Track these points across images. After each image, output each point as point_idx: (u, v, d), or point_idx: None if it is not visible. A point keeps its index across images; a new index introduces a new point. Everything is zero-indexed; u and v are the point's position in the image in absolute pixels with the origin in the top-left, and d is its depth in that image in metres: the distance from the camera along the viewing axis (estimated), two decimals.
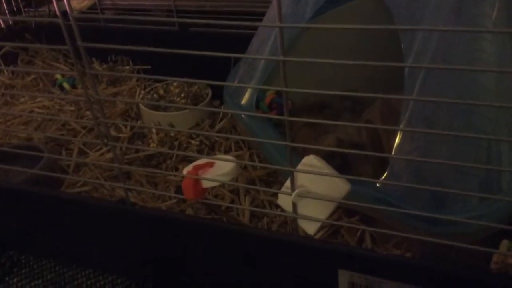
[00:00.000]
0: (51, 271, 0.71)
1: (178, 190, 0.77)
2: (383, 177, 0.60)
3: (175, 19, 0.45)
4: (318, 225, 0.51)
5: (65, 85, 1.08)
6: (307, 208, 0.50)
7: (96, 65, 1.15)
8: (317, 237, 0.63)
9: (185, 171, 0.56)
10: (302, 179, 0.50)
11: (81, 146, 0.90)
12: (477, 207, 0.55)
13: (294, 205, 0.50)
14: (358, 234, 0.66)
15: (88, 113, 0.99)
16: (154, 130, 0.91)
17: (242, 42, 0.83)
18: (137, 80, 1.10)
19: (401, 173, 0.59)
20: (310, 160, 0.50)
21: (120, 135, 0.92)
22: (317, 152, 0.51)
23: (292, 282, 0.58)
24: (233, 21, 0.41)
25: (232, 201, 0.75)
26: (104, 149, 0.88)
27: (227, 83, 0.85)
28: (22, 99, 1.07)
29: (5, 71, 1.18)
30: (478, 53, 0.57)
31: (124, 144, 0.89)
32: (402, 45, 0.60)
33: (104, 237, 0.66)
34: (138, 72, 1.12)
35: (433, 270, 0.48)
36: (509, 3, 0.57)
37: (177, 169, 0.83)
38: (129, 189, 0.74)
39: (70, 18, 0.45)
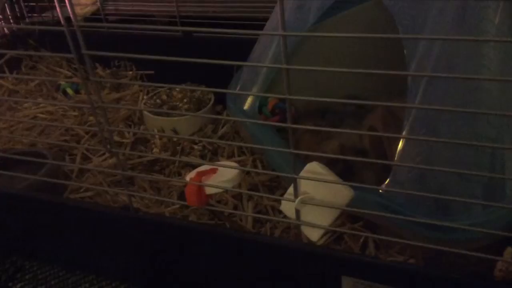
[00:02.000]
0: (54, 276, 0.71)
1: (181, 195, 0.77)
2: (385, 183, 0.59)
3: (179, 28, 0.45)
4: (321, 231, 0.51)
5: (69, 90, 1.08)
6: (311, 215, 0.50)
7: (99, 70, 1.16)
8: (320, 243, 0.63)
9: (188, 178, 0.56)
10: (305, 186, 0.50)
11: (84, 152, 0.90)
12: (481, 213, 0.54)
13: (297, 211, 0.50)
14: (362, 240, 0.66)
15: (91, 118, 1.00)
16: (157, 136, 0.91)
17: (245, 47, 0.83)
18: (140, 85, 1.10)
19: (404, 179, 0.59)
20: (313, 167, 0.50)
21: (123, 140, 0.92)
22: (320, 158, 0.51)
23: None
24: (237, 29, 0.41)
25: (235, 207, 0.75)
26: (107, 154, 0.88)
27: (230, 90, 0.85)
28: (26, 105, 1.07)
29: (9, 77, 1.18)
30: (481, 58, 0.57)
31: (127, 151, 0.89)
32: (405, 51, 0.60)
33: (107, 243, 0.66)
34: (141, 77, 1.13)
35: (437, 276, 0.48)
36: (511, 8, 0.57)
37: (180, 174, 0.83)
38: (132, 194, 0.74)
39: (75, 26, 0.45)
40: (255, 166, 0.82)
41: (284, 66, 0.40)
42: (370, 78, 0.82)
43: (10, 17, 1.26)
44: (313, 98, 0.40)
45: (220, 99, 0.97)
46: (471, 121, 0.57)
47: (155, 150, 0.89)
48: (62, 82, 1.09)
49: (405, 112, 0.59)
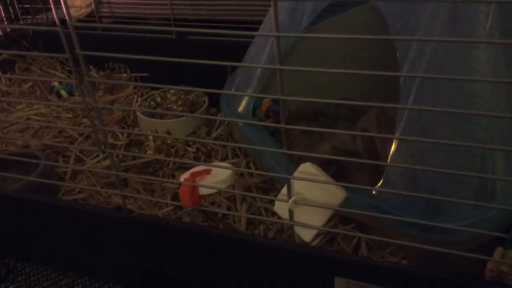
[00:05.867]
0: (47, 278, 0.71)
1: (175, 197, 0.78)
2: (378, 184, 0.60)
3: (173, 28, 0.45)
4: (314, 232, 0.51)
5: (62, 92, 1.08)
6: (304, 215, 0.51)
7: (93, 72, 1.16)
8: (313, 244, 0.63)
9: (182, 178, 0.56)
10: (298, 187, 0.50)
11: (78, 154, 0.90)
12: (472, 214, 0.55)
13: (291, 212, 0.51)
14: (354, 241, 0.66)
15: (85, 120, 1.00)
16: (151, 138, 0.91)
17: (239, 50, 0.83)
18: (134, 88, 1.10)
19: (396, 181, 0.59)
20: (307, 168, 0.50)
21: (117, 142, 0.92)
22: (313, 160, 0.52)
23: None
24: (231, 31, 0.42)
25: (229, 209, 0.75)
26: (101, 156, 0.88)
27: (224, 91, 0.85)
28: (19, 106, 1.07)
29: (2, 78, 1.18)
30: (472, 62, 0.58)
31: (121, 152, 0.89)
32: (397, 54, 0.60)
33: (100, 244, 0.66)
34: (136, 80, 1.13)
35: (428, 277, 0.48)
36: (502, 13, 0.58)
37: (173, 177, 0.83)
38: (126, 196, 0.74)
39: (69, 26, 0.46)
40: (249, 168, 0.83)
41: (278, 66, 0.40)
42: (363, 82, 0.82)
43: (4, 18, 1.26)
44: (306, 99, 0.40)
45: (214, 102, 0.97)
46: (462, 124, 0.57)
47: (149, 152, 0.89)
48: (56, 84, 1.09)
49: (397, 116, 0.60)
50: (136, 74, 1.13)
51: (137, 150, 0.91)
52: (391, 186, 0.59)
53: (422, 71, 0.58)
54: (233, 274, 0.60)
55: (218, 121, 0.95)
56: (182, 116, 0.93)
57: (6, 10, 1.25)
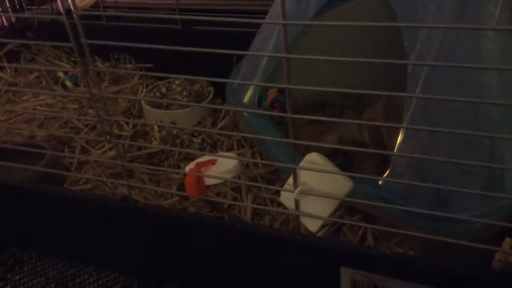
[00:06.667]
0: (53, 268, 0.71)
1: (181, 188, 0.78)
2: (385, 175, 0.60)
3: (178, 16, 0.44)
4: (320, 222, 0.51)
5: (67, 83, 1.08)
6: (310, 206, 0.50)
7: (98, 63, 1.16)
8: (319, 235, 0.63)
9: (187, 168, 0.56)
10: (304, 177, 0.50)
11: (84, 144, 0.90)
12: (480, 205, 0.55)
13: (297, 202, 0.50)
14: (360, 232, 0.66)
15: (90, 111, 1.00)
16: (156, 128, 0.91)
17: (244, 40, 0.83)
18: (140, 78, 1.10)
19: (403, 172, 0.59)
20: (313, 158, 0.50)
21: (123, 133, 0.92)
22: (319, 150, 0.51)
23: (294, 280, 0.58)
24: (237, 19, 0.42)
25: (234, 199, 0.75)
26: (107, 146, 0.88)
27: (230, 80, 0.85)
28: (25, 97, 1.07)
29: (8, 69, 1.18)
30: (481, 52, 0.57)
31: (126, 142, 0.89)
32: (405, 44, 0.60)
33: (106, 235, 0.66)
34: (141, 70, 1.12)
35: (435, 268, 0.48)
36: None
37: (179, 167, 0.83)
38: (132, 186, 0.74)
39: (74, 15, 0.45)
40: (254, 159, 0.82)
41: (284, 55, 0.40)
42: (370, 74, 0.82)
43: (9, 9, 1.25)
44: (313, 88, 0.40)
45: (220, 93, 0.96)
46: (470, 115, 0.57)
47: (154, 142, 0.89)
48: (61, 75, 1.09)
49: (404, 107, 0.59)
50: (141, 65, 1.13)
51: (142, 141, 0.91)
52: (398, 177, 0.58)
53: (430, 61, 0.58)
54: (238, 264, 0.60)
55: (223, 111, 0.95)
56: (187, 106, 0.93)
57: (11, 0, 1.25)
